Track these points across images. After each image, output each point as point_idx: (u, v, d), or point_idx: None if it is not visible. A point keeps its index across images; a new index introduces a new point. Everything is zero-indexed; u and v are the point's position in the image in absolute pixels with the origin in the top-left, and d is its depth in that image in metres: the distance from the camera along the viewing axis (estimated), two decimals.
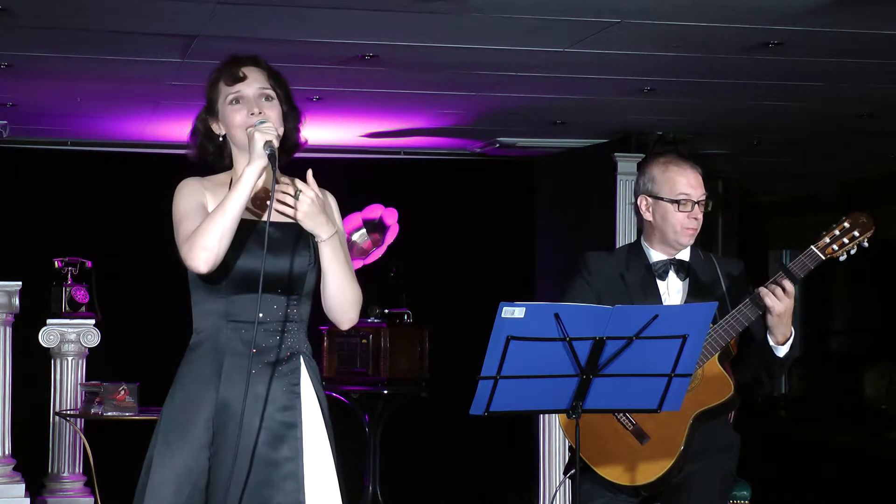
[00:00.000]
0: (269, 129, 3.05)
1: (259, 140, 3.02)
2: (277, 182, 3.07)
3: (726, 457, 3.90)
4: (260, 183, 3.07)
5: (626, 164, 8.14)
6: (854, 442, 10.41)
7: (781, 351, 3.75)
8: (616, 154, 8.13)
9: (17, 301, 6.94)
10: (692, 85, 6.58)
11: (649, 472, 3.75)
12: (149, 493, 3.05)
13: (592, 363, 3.25)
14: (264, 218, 3.10)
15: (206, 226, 3.00)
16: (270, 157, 3.02)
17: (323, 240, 3.08)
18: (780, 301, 3.65)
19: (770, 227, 12.34)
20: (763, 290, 3.66)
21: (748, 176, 10.36)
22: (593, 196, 8.36)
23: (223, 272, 3.06)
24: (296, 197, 3.02)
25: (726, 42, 5.57)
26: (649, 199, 3.92)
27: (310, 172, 3.08)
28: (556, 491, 6.53)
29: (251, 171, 3.01)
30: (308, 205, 3.03)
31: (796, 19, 5.15)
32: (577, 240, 8.35)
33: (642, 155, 8.10)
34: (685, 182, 3.88)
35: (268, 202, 3.08)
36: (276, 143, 3.04)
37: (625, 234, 8.05)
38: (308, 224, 3.05)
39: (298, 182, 3.05)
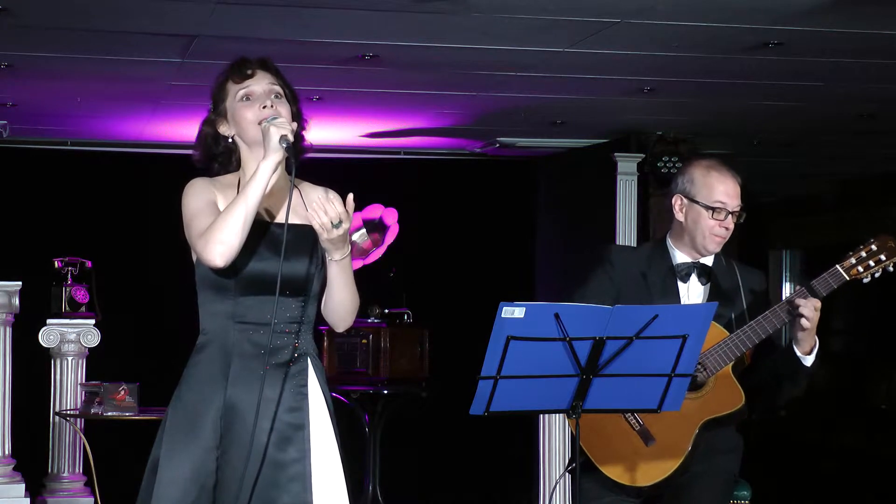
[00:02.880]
0: (284, 124, 3.04)
1: (275, 134, 3.00)
2: (295, 181, 3.06)
3: (729, 458, 3.90)
4: (271, 182, 3.06)
5: (626, 164, 8.14)
6: (854, 442, 10.40)
7: (809, 360, 3.77)
8: (616, 154, 8.13)
9: (17, 301, 6.94)
10: (692, 85, 6.58)
11: (652, 473, 3.75)
12: (156, 494, 3.03)
13: (592, 363, 3.25)
14: (278, 219, 3.11)
15: (222, 220, 2.98)
16: (288, 149, 3.00)
17: (335, 260, 3.09)
18: (814, 315, 3.68)
19: (770, 227, 12.33)
20: (801, 308, 3.66)
21: (748, 176, 10.33)
22: (593, 196, 8.36)
23: (232, 273, 3.05)
24: (335, 225, 2.99)
25: (726, 42, 5.57)
26: (684, 200, 3.90)
27: (350, 197, 3.05)
28: (556, 485, 6.53)
29: (267, 166, 3.00)
30: (338, 235, 3.01)
31: (796, 19, 5.15)
32: (577, 240, 8.35)
33: (642, 155, 8.12)
34: (723, 190, 3.87)
35: (279, 203, 3.09)
36: (291, 138, 3.02)
37: (625, 234, 8.05)
38: (328, 245, 3.05)
39: (339, 207, 2.99)
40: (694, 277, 3.90)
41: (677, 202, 3.92)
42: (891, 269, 3.78)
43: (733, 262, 4.00)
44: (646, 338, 3.22)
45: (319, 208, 2.98)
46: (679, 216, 3.92)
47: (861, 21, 5.19)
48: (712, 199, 3.86)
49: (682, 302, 3.87)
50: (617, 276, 3.90)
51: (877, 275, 3.78)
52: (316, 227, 3.00)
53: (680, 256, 3.92)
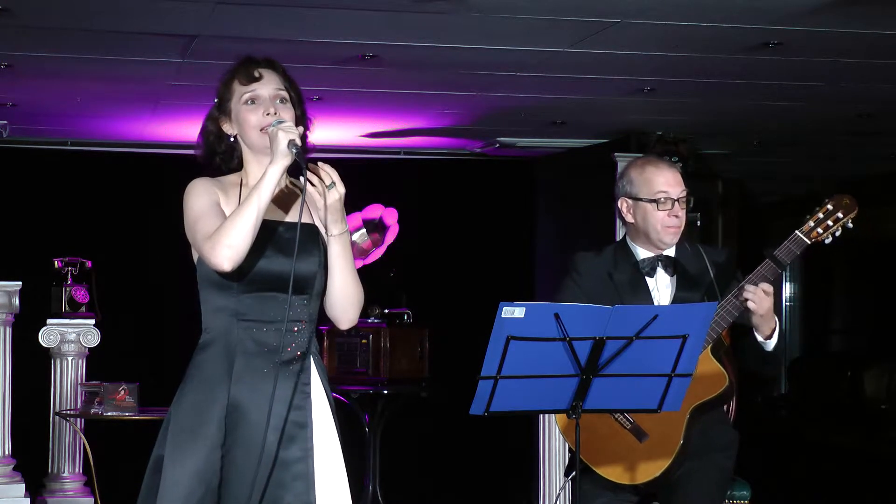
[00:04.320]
0: (292, 129, 3.05)
1: (283, 139, 3.01)
2: (301, 181, 3.06)
3: (725, 455, 3.90)
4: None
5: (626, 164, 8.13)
6: (854, 442, 10.40)
7: (770, 345, 3.77)
8: (616, 154, 8.12)
9: (17, 301, 6.94)
10: (692, 85, 6.58)
11: (650, 469, 3.75)
12: (161, 493, 3.03)
13: (592, 363, 3.25)
14: (287, 219, 3.14)
15: (229, 224, 2.99)
16: (298, 155, 3.00)
17: (335, 235, 3.10)
18: (764, 300, 3.67)
19: (770, 227, 12.34)
20: (746, 293, 3.67)
21: (748, 176, 10.36)
22: (593, 196, 8.36)
23: (236, 272, 3.05)
24: (328, 187, 3.03)
25: (726, 42, 5.57)
26: (629, 201, 3.93)
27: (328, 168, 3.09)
28: (557, 498, 6.53)
29: (275, 171, 3.00)
30: (335, 199, 3.06)
31: (796, 19, 5.15)
32: (577, 240, 8.35)
33: (642, 155, 8.10)
34: (663, 181, 3.89)
35: (282, 203, 3.10)
36: (299, 143, 3.03)
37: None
38: (328, 216, 3.06)
39: (333, 174, 3.06)
40: (660, 270, 3.91)
41: (623, 205, 3.94)
42: (850, 225, 3.79)
43: (699, 246, 4.00)
44: (646, 338, 3.22)
45: (312, 174, 3.04)
46: (629, 218, 3.94)
47: (861, 21, 5.19)
48: (654, 192, 3.88)
49: (653, 296, 3.88)
50: (584, 283, 3.91)
51: (837, 233, 3.78)
52: (310, 190, 3.05)
53: (642, 252, 3.93)
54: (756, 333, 3.75)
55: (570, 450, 3.87)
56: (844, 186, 10.79)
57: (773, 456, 9.96)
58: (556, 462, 6.84)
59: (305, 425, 3.10)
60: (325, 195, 3.05)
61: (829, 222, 3.75)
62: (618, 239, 7.92)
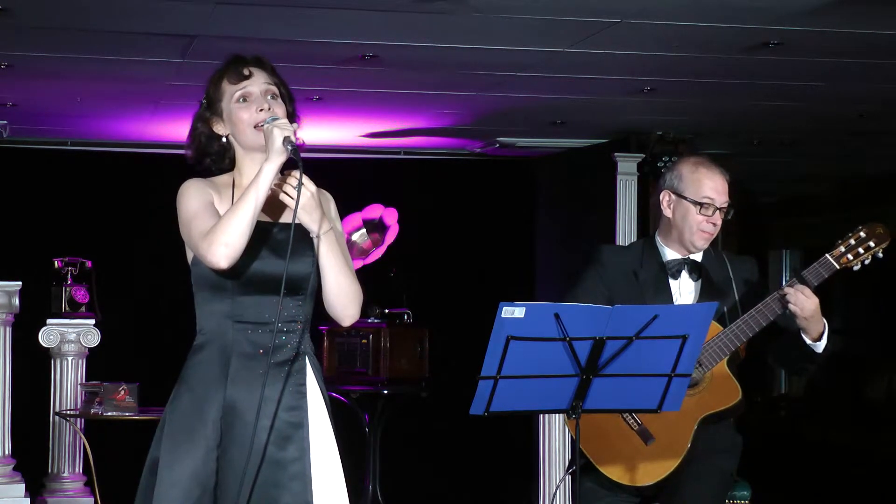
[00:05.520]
0: (287, 125, 3.03)
1: (278, 136, 2.99)
2: (285, 178, 3.06)
3: (727, 457, 3.90)
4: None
5: (626, 164, 8.14)
6: (854, 442, 10.41)
7: (819, 346, 3.78)
8: (616, 154, 8.13)
9: (17, 301, 6.94)
10: (692, 85, 6.58)
11: (653, 472, 3.75)
12: (157, 495, 3.03)
13: (592, 363, 3.25)
14: (282, 219, 3.13)
15: (225, 222, 2.98)
16: (294, 152, 2.99)
17: (318, 234, 3.08)
18: (806, 301, 3.67)
19: (770, 227, 12.34)
20: (787, 294, 3.67)
21: (748, 176, 10.36)
22: (593, 196, 8.36)
23: (231, 273, 3.05)
24: (297, 189, 3.01)
25: (726, 42, 5.57)
26: (672, 196, 3.92)
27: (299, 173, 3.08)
28: (556, 490, 6.53)
29: (271, 168, 2.99)
30: (307, 198, 3.02)
31: (796, 19, 5.15)
32: (577, 240, 8.35)
33: (642, 155, 8.12)
34: (711, 186, 3.89)
35: (273, 204, 3.09)
36: (294, 139, 3.02)
37: (625, 234, 8.05)
38: (304, 217, 3.05)
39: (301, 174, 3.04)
40: (685, 274, 3.91)
41: (665, 198, 3.93)
42: (880, 255, 3.79)
43: (723, 254, 4.00)
44: (646, 338, 3.22)
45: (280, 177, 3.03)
46: (667, 212, 3.93)
47: (861, 21, 5.19)
48: (700, 195, 3.87)
49: (675, 299, 3.87)
50: (608, 277, 3.90)
51: (867, 262, 3.78)
52: (284, 199, 3.03)
53: (670, 253, 3.93)
54: (803, 336, 3.74)
55: (572, 440, 3.87)
56: (844, 186, 10.82)
57: (773, 456, 9.96)
58: (557, 462, 6.84)
59: (301, 425, 3.10)
60: (296, 197, 3.01)
61: (860, 250, 3.76)
62: (617, 238, 8.00)
